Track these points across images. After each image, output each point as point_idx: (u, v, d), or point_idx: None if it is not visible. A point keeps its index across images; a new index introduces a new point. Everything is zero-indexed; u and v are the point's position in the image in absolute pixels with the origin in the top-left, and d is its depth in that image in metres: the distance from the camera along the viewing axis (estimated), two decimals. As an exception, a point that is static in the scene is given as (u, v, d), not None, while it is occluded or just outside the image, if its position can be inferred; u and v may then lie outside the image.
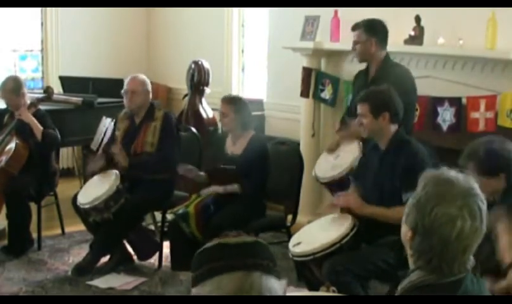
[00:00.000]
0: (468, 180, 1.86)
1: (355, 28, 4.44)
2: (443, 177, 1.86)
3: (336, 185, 4.21)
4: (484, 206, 1.84)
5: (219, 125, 6.20)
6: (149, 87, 4.98)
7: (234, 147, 4.69)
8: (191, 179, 4.73)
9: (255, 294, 1.46)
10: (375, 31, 4.36)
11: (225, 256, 1.48)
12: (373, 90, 3.83)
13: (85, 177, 5.77)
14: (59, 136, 5.26)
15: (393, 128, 3.69)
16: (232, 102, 4.68)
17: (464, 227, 1.79)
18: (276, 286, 1.49)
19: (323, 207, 4.07)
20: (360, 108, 3.73)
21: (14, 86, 5.21)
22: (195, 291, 1.49)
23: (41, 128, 5.14)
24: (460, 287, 1.83)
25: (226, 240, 1.51)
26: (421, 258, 1.85)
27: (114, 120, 5.21)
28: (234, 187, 4.54)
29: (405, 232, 1.89)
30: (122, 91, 4.93)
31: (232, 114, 4.62)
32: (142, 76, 4.99)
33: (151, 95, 5.00)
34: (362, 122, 3.72)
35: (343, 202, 3.75)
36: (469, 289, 1.85)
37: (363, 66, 4.58)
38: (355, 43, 4.41)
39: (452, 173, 1.87)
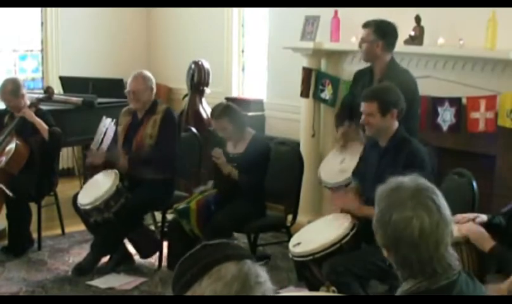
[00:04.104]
0: (414, 179, 1.87)
1: (365, 25, 4.37)
2: (390, 187, 1.88)
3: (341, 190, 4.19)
4: (438, 198, 1.84)
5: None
6: (152, 83, 4.95)
7: (236, 148, 4.69)
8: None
9: (253, 279, 1.47)
10: (384, 34, 4.29)
11: (215, 250, 1.50)
12: (380, 88, 3.79)
13: (85, 177, 5.78)
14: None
15: (395, 124, 3.68)
16: (226, 114, 4.61)
17: (423, 224, 1.80)
18: (266, 275, 1.50)
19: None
20: (367, 107, 3.66)
21: (13, 88, 5.21)
22: (189, 293, 1.49)
23: (46, 127, 5.15)
24: (454, 290, 1.83)
25: (207, 242, 1.54)
26: (404, 268, 1.86)
27: (115, 119, 5.21)
28: (234, 173, 4.54)
29: (384, 252, 1.91)
30: (125, 90, 4.93)
31: (228, 125, 4.59)
32: (144, 74, 4.96)
33: (154, 91, 4.99)
34: (368, 121, 3.67)
35: (340, 205, 3.74)
36: (464, 291, 1.85)
37: (362, 66, 4.57)
38: (363, 40, 4.36)
39: (398, 179, 1.89)
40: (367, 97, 3.69)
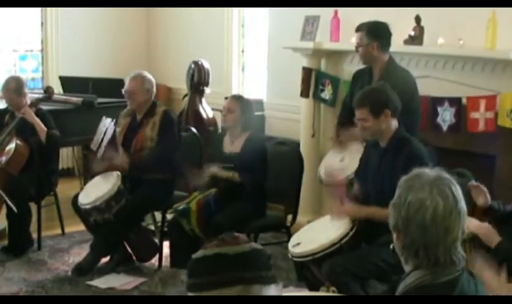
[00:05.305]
0: (438, 170, 1.91)
1: (358, 29, 4.40)
2: (413, 173, 1.93)
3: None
4: (457, 190, 1.87)
5: (219, 125, 6.21)
6: (151, 84, 4.93)
7: (232, 146, 4.69)
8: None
9: None
10: (377, 35, 4.31)
11: (223, 269, 1.48)
12: (368, 92, 3.74)
13: (85, 177, 5.78)
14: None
15: (394, 123, 3.66)
16: (241, 100, 4.72)
17: (436, 208, 1.83)
18: (274, 293, 1.50)
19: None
20: (359, 113, 3.65)
21: (16, 86, 5.21)
22: (191, 295, 1.51)
23: (45, 129, 5.15)
24: (457, 287, 1.85)
25: (224, 250, 1.51)
26: (409, 254, 1.88)
27: (115, 120, 5.21)
28: (235, 176, 4.54)
29: (393, 235, 1.92)
30: (123, 90, 4.93)
31: (238, 111, 4.62)
32: (143, 75, 4.95)
33: (154, 91, 4.97)
34: (364, 126, 3.66)
35: (341, 216, 3.72)
36: (466, 289, 1.86)
37: (362, 66, 4.57)
38: (358, 45, 4.38)
39: (422, 169, 1.93)
40: (358, 103, 3.68)
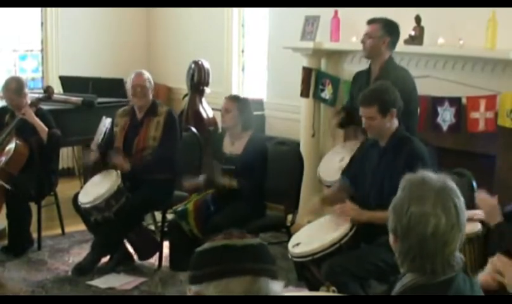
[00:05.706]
0: (443, 178, 1.89)
1: (372, 21, 4.38)
2: (417, 178, 1.90)
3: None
4: (460, 202, 1.86)
5: (219, 125, 6.21)
6: (152, 83, 5.03)
7: (233, 147, 4.68)
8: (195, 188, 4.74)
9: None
10: (391, 32, 4.32)
11: (233, 258, 1.47)
12: (377, 90, 3.71)
13: (85, 177, 5.78)
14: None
15: (395, 123, 3.67)
16: (237, 100, 4.71)
17: (438, 224, 1.82)
18: (279, 290, 1.50)
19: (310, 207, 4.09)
20: (366, 111, 3.63)
21: (16, 86, 5.21)
22: (195, 289, 1.48)
23: (46, 129, 5.15)
24: (452, 286, 1.85)
25: (232, 241, 1.49)
26: (405, 259, 1.88)
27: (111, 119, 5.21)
28: (233, 184, 4.54)
29: (391, 237, 1.92)
30: (130, 86, 4.93)
31: (235, 111, 4.61)
32: (147, 73, 5.03)
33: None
34: (370, 124, 3.65)
35: (341, 215, 3.72)
36: (461, 288, 1.87)
37: (362, 66, 4.58)
38: (368, 36, 4.34)
39: (427, 174, 1.91)
40: (365, 101, 3.66)
